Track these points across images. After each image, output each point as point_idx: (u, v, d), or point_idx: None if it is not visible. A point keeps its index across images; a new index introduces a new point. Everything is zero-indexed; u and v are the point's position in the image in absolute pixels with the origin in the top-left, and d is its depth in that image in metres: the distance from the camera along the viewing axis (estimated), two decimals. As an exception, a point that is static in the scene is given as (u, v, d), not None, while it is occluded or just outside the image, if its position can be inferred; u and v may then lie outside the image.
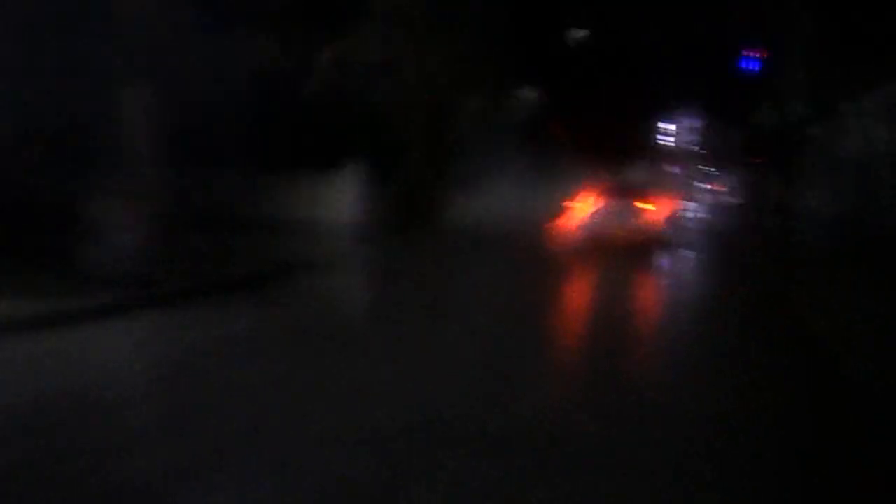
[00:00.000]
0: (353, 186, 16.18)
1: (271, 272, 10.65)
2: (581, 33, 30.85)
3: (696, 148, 61.96)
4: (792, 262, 12.79)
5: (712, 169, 61.69)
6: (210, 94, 15.99)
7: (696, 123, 57.93)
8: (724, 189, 57.15)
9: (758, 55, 34.83)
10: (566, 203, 16.78)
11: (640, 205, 15.86)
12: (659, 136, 60.58)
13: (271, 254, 12.11)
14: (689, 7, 42.27)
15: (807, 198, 23.70)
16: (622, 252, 13.98)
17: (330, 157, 16.02)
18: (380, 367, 5.68)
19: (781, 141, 28.69)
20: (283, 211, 15.77)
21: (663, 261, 13.87)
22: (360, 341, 6.56)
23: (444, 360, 5.87)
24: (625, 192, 16.77)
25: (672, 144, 61.45)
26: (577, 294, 10.16)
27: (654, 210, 15.79)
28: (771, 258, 13.37)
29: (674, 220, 20.47)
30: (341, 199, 16.20)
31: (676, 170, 62.69)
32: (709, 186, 60.85)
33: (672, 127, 60.82)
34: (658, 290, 10.51)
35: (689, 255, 15.18)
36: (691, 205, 43.00)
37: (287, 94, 15.99)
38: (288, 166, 16.16)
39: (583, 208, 16.41)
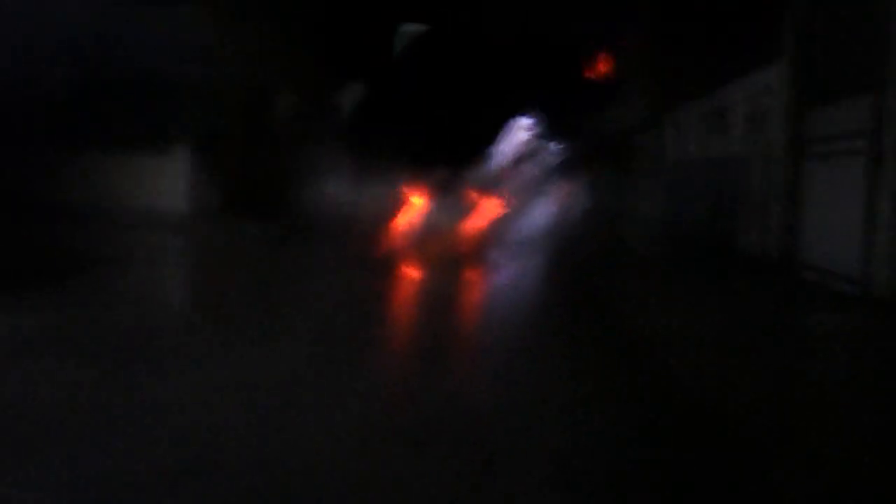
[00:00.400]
0: (174, 173, 14.92)
1: (68, 267, 9.44)
2: (416, 27, 30.82)
3: (537, 152, 64.14)
4: (615, 265, 13.18)
5: (552, 172, 64.09)
6: (14, 67, 14.30)
7: (537, 128, 59.96)
8: (561, 193, 59.43)
9: (604, 61, 36.25)
10: (396, 200, 16.27)
11: (473, 205, 15.80)
12: (500, 138, 61.96)
13: (71, 245, 10.81)
14: (536, 8, 43.31)
15: (636, 203, 25.03)
16: (451, 253, 13.72)
17: (148, 140, 14.71)
18: (160, 383, 4.85)
19: (616, 148, 30.26)
20: (90, 197, 14.31)
21: (490, 263, 13.63)
22: (148, 349, 5.71)
23: (238, 380, 5.12)
24: (459, 191, 16.54)
25: (513, 147, 63.19)
26: (394, 297, 9.71)
27: (488, 211, 15.82)
28: (597, 261, 13.70)
29: (508, 222, 20.36)
30: (159, 186, 14.90)
31: (516, 172, 64.60)
32: (548, 190, 63.22)
33: (514, 129, 62.49)
34: (479, 294, 10.31)
35: (519, 257, 15.21)
36: (529, 207, 44.22)
37: (102, 68, 14.53)
38: (99, 147, 14.70)
39: (415, 207, 16.10)
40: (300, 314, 7.18)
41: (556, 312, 8.58)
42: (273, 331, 6.39)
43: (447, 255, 13.05)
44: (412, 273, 11.40)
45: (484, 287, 10.41)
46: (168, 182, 14.80)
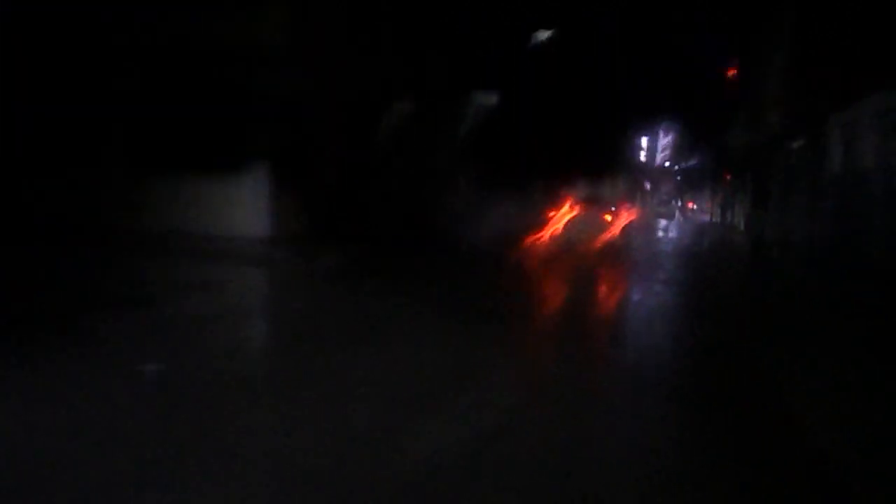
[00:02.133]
0: (253, 194, 13.51)
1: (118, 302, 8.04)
2: (545, 34, 28.41)
3: (669, 164, 60.33)
4: (761, 303, 10.42)
5: (685, 186, 60.06)
6: (76, 80, 13.52)
7: (670, 139, 56.28)
8: (695, 207, 55.43)
9: (734, 67, 33.13)
10: (542, 214, 16.67)
11: (608, 219, 15.89)
12: (631, 151, 58.88)
13: (133, 277, 9.52)
14: (663, 18, 40.59)
15: (784, 221, 21.47)
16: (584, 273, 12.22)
17: (224, 159, 13.36)
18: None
19: (756, 157, 26.65)
20: (162, 225, 13.20)
21: (619, 292, 11.44)
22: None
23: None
24: (596, 205, 17.80)
25: (644, 160, 59.80)
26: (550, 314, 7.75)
27: (621, 224, 15.00)
28: (737, 296, 11.02)
29: (639, 237, 20.57)
30: (237, 209, 13.54)
31: (648, 185, 61.01)
32: (680, 204, 59.10)
33: (645, 142, 59.16)
34: (597, 342, 8.00)
35: (651, 282, 12.80)
36: (661, 222, 41.12)
37: (173, 83, 13.42)
38: (174, 169, 13.57)
39: (557, 219, 16.18)
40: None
41: (688, 369, 6.20)
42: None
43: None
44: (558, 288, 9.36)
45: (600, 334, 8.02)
46: (245, 206, 13.45)
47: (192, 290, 8.71)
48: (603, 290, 11.53)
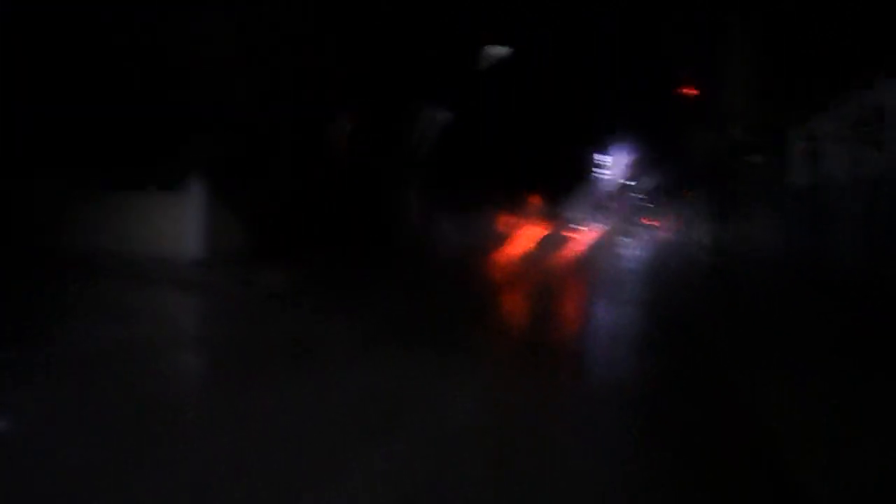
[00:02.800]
0: (188, 209, 12.47)
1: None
2: (500, 50, 27.71)
3: (630, 180, 60.29)
4: (729, 322, 9.71)
5: (647, 202, 59.97)
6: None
7: (631, 154, 56.20)
8: (657, 223, 55.34)
9: (693, 80, 32.96)
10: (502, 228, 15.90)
11: (573, 236, 15.33)
12: (592, 167, 58.64)
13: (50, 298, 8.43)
14: (621, 30, 40.50)
15: (748, 235, 21.03)
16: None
17: (157, 172, 12.31)
18: None
19: (719, 171, 26.29)
20: (87, 242, 12.10)
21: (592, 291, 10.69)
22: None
23: None
24: (558, 222, 17.26)
25: (606, 176, 59.61)
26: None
27: (584, 242, 14.40)
28: (703, 312, 10.31)
29: (603, 255, 20.02)
30: (170, 226, 12.49)
31: (610, 202, 60.84)
32: (643, 220, 58.90)
33: (606, 158, 58.97)
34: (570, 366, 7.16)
35: (613, 305, 12.04)
36: (624, 239, 40.68)
37: (100, 84, 12.29)
38: (102, 181, 12.48)
39: (525, 236, 15.74)
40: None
41: (662, 395, 5.41)
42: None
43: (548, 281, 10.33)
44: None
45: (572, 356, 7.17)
46: (176, 224, 12.38)
47: (97, 319, 7.67)
48: (567, 309, 10.75)
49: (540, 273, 15.90)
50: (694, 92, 33.17)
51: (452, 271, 14.26)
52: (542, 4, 32.41)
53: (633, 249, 30.41)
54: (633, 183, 61.64)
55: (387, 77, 19.03)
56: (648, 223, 58.02)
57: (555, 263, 18.14)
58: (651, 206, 59.52)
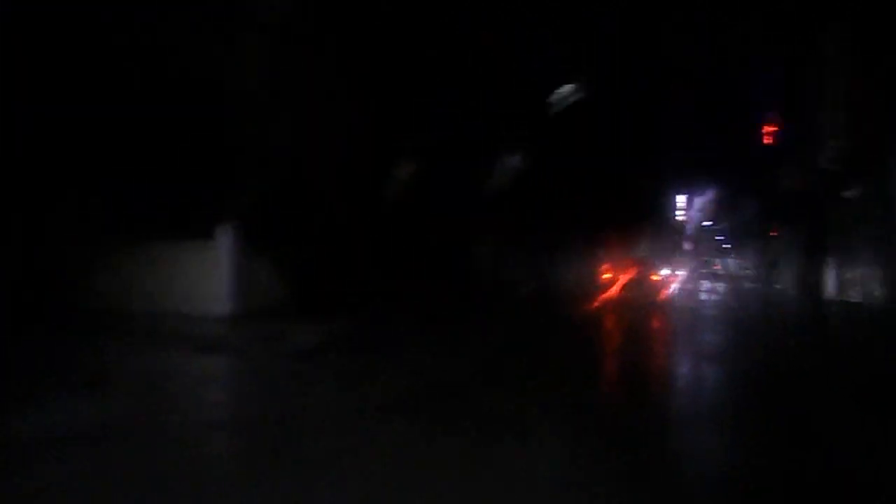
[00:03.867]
0: (220, 261, 11.55)
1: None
2: (569, 90, 26.49)
3: (710, 222, 57.61)
4: (827, 389, 7.98)
5: (727, 245, 57.04)
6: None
7: (710, 196, 53.73)
8: (738, 267, 52.33)
9: (776, 119, 31.10)
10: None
11: (655, 279, 15.05)
12: (671, 210, 56.51)
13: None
14: (699, 66, 38.71)
15: (844, 280, 18.86)
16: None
17: (186, 220, 11.45)
18: None
19: (808, 209, 24.14)
20: (107, 298, 11.29)
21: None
22: None
23: None
24: (642, 267, 17.14)
25: (684, 218, 57.29)
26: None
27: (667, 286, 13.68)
28: (795, 376, 8.61)
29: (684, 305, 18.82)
30: (199, 280, 11.57)
31: (689, 246, 58.21)
32: (722, 265, 55.84)
33: (684, 200, 56.72)
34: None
35: (696, 358, 10.42)
36: (705, 284, 38.31)
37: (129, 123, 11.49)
38: (125, 231, 11.69)
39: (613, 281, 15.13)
40: None
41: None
42: None
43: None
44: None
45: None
46: (210, 277, 11.45)
47: (85, 390, 6.64)
48: (659, 377, 9.21)
49: (622, 330, 14.31)
50: (774, 127, 31.17)
51: (519, 324, 12.85)
52: (616, 42, 31.23)
53: (715, 295, 28.28)
54: (711, 223, 58.91)
55: (453, 120, 18.05)
56: (727, 267, 54.96)
57: (636, 315, 16.56)
58: (730, 246, 56.45)
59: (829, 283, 19.94)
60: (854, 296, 17.32)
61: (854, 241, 17.83)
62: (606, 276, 29.07)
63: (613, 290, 21.18)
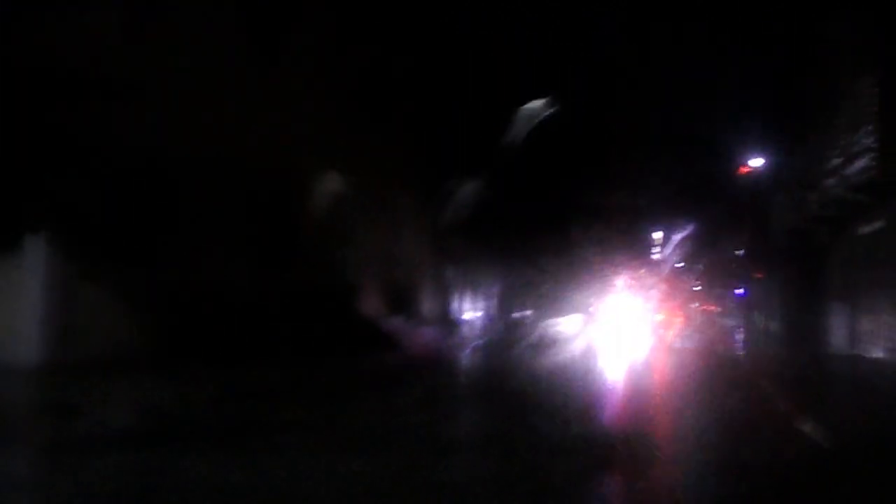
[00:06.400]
0: (28, 285, 8.23)
1: None
2: (538, 105, 23.79)
3: (688, 262, 55.33)
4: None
5: (707, 286, 54.59)
6: None
7: (688, 232, 51.41)
8: (718, 311, 49.78)
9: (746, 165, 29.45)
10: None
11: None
12: (646, 248, 54.29)
13: None
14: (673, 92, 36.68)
15: (859, 331, 15.95)
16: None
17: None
18: None
19: (801, 246, 21.45)
20: None
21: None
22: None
23: None
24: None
25: (659, 257, 55.01)
26: None
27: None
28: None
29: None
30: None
31: (664, 286, 55.67)
32: (702, 307, 53.18)
33: (660, 237, 54.55)
34: None
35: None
36: (684, 330, 35.70)
37: None
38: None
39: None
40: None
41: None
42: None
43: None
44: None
45: None
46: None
47: None
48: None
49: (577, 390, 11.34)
50: (759, 161, 28.98)
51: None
52: (590, 65, 28.96)
53: (690, 341, 25.88)
54: (687, 263, 56.65)
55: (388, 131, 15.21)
56: (707, 309, 52.44)
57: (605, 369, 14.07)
58: (704, 289, 53.99)
59: (838, 334, 17.00)
60: (871, 350, 14.38)
61: (871, 284, 14.94)
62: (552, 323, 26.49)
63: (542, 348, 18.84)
